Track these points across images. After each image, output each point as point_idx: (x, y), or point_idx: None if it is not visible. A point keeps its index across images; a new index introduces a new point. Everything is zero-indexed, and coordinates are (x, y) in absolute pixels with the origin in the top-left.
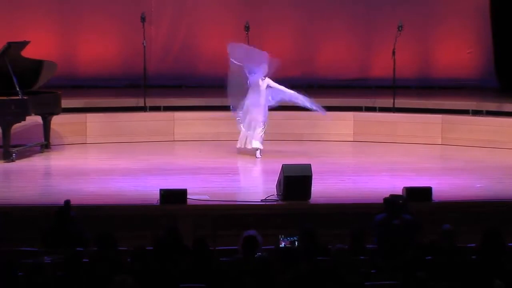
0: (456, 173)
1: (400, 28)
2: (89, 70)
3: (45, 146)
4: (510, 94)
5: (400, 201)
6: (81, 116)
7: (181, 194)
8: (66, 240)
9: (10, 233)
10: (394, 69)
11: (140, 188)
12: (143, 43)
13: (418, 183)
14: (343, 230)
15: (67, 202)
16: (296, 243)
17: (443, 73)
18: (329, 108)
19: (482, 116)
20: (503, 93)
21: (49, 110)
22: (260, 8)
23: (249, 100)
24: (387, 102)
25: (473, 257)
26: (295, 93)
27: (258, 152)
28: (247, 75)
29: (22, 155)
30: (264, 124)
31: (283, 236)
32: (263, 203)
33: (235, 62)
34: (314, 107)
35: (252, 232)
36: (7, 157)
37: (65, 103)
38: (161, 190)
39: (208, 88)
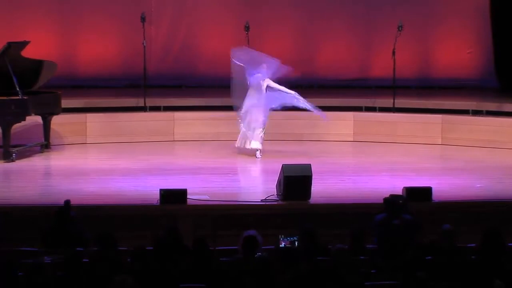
0: (456, 173)
1: (400, 28)
2: (89, 70)
3: (45, 146)
4: (510, 94)
5: (400, 201)
6: (81, 116)
7: (181, 194)
8: (66, 240)
9: (10, 233)
10: (394, 69)
11: (140, 188)
12: (143, 43)
13: (418, 183)
14: (343, 230)
15: (67, 202)
16: (296, 243)
17: (443, 73)
18: (329, 108)
19: (482, 116)
20: (503, 93)
21: (49, 110)
22: (260, 8)
23: (249, 101)
24: (387, 102)
25: (473, 257)
26: (296, 93)
27: (258, 152)
28: (248, 75)
29: (22, 155)
30: (264, 125)
31: (283, 236)
32: (263, 203)
33: (237, 62)
34: (314, 111)
35: (252, 232)
36: (7, 157)
37: (65, 103)
38: (161, 190)
39: (208, 88)
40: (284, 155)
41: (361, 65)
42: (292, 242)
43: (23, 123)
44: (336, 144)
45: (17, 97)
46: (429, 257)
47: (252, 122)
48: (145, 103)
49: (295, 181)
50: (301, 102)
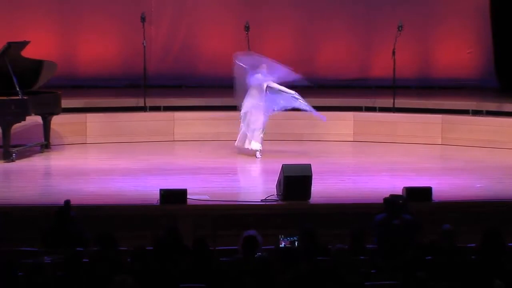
0: (456, 173)
1: (400, 28)
2: (89, 70)
3: (45, 146)
4: (510, 94)
5: (400, 201)
6: (81, 116)
7: (181, 194)
8: (66, 240)
9: (10, 233)
10: (394, 69)
11: (140, 188)
12: (143, 43)
13: (418, 183)
14: (343, 230)
15: (67, 202)
16: (296, 243)
17: (443, 73)
18: (329, 108)
19: (482, 116)
20: (503, 93)
21: (49, 110)
22: (260, 8)
23: (250, 102)
24: (387, 102)
25: (473, 257)
26: (295, 93)
27: (258, 152)
28: (249, 76)
29: (22, 155)
30: (264, 126)
31: (283, 236)
32: (263, 203)
33: (241, 64)
34: (313, 112)
35: (252, 232)
36: (7, 157)
37: (65, 103)
38: (161, 190)
39: (208, 88)
40: (284, 155)
41: (361, 65)
42: (292, 242)
43: (23, 123)
44: (336, 144)
45: (17, 97)
46: (429, 257)
47: (252, 123)
48: (145, 103)
49: (295, 181)
50: (301, 103)
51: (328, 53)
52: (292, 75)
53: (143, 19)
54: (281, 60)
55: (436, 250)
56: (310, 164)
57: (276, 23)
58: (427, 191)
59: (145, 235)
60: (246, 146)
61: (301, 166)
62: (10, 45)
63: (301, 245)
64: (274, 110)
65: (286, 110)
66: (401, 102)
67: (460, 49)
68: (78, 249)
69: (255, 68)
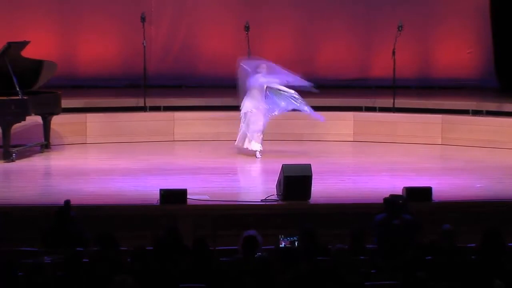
0: (456, 173)
1: (400, 28)
2: (89, 70)
3: (45, 146)
4: (510, 94)
5: (400, 201)
6: (81, 116)
7: (181, 194)
8: (66, 240)
9: (10, 233)
10: (394, 69)
11: (140, 188)
12: (143, 43)
13: (418, 183)
14: (343, 230)
15: (67, 202)
16: (296, 243)
17: (443, 73)
18: (329, 108)
19: (482, 116)
20: (503, 93)
21: (49, 110)
22: (260, 8)
23: (250, 103)
24: (387, 102)
25: (473, 257)
26: (295, 92)
27: (258, 152)
28: (249, 77)
29: (22, 155)
30: (264, 128)
31: (283, 236)
32: (263, 203)
33: (245, 67)
34: (312, 113)
35: (252, 232)
36: (7, 157)
37: (65, 103)
38: (161, 190)
39: (208, 88)
40: (284, 155)
41: (361, 65)
42: (292, 242)
43: (23, 123)
44: (336, 144)
45: (17, 97)
46: (429, 257)
47: (251, 124)
48: (145, 103)
49: (295, 181)
50: (300, 103)
51: (328, 53)
52: (299, 81)
53: (143, 19)
54: (281, 60)
55: (436, 250)
56: (310, 164)
57: (276, 23)
58: (427, 191)
59: (145, 235)
60: (246, 146)
61: (301, 166)
62: (10, 45)
63: (301, 245)
64: (275, 113)
65: (286, 110)
66: (401, 102)
67: (460, 49)
68: (78, 249)
69: (255, 69)
